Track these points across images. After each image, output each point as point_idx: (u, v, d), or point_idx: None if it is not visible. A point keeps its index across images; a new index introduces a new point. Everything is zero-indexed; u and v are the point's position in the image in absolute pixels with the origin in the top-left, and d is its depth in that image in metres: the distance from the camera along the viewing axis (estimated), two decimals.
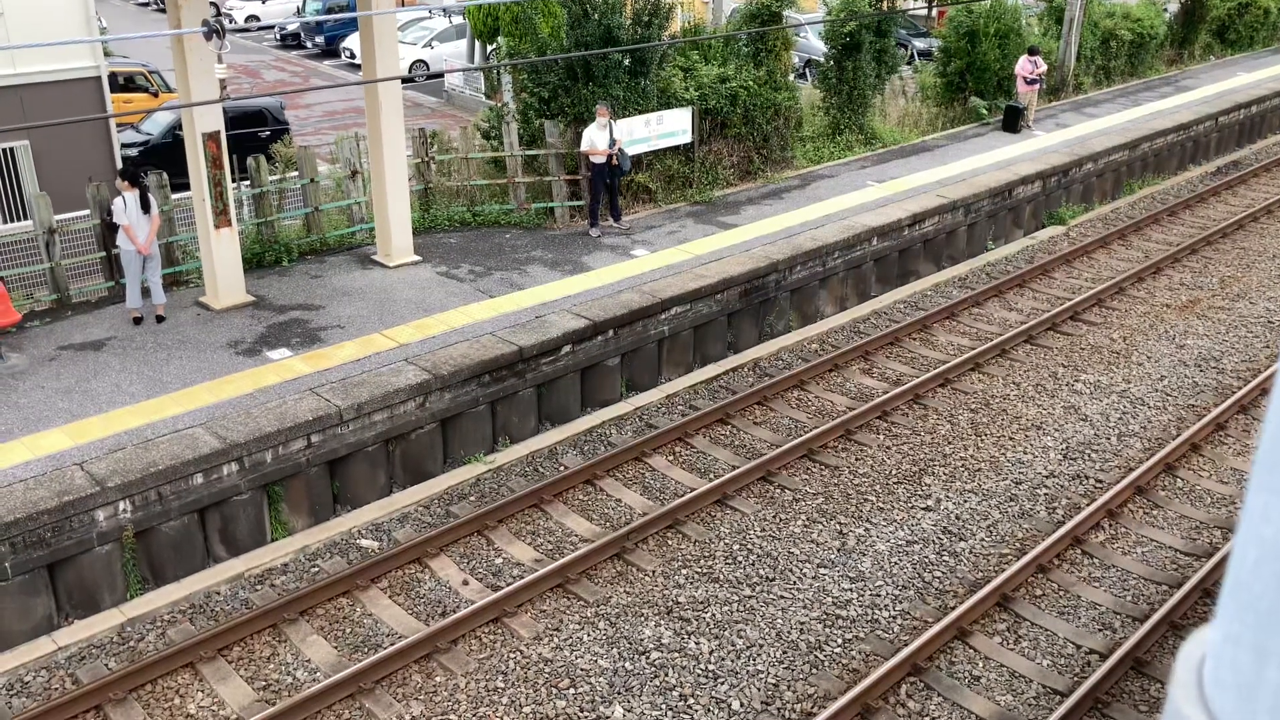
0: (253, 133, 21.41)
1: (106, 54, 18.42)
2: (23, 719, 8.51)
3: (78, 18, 16.30)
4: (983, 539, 11.31)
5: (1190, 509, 11.88)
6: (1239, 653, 0.99)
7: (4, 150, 16.14)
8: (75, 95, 16.28)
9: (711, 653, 9.60)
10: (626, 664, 9.46)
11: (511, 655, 9.56)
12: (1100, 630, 10.00)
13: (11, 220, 16.09)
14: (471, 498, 11.94)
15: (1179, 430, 13.43)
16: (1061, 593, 10.50)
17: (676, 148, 17.99)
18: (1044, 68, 23.15)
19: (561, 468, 12.49)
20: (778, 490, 12.08)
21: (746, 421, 13.54)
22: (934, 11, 34.49)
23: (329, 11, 39.73)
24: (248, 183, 15.36)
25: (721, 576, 10.62)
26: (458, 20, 33.65)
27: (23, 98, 15.88)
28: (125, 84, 23.87)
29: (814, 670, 9.44)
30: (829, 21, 21.39)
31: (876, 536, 11.30)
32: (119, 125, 20.10)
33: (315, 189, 15.58)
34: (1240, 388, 14.40)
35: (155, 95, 24.30)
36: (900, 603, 10.31)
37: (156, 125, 21.84)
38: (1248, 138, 26.94)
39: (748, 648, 9.67)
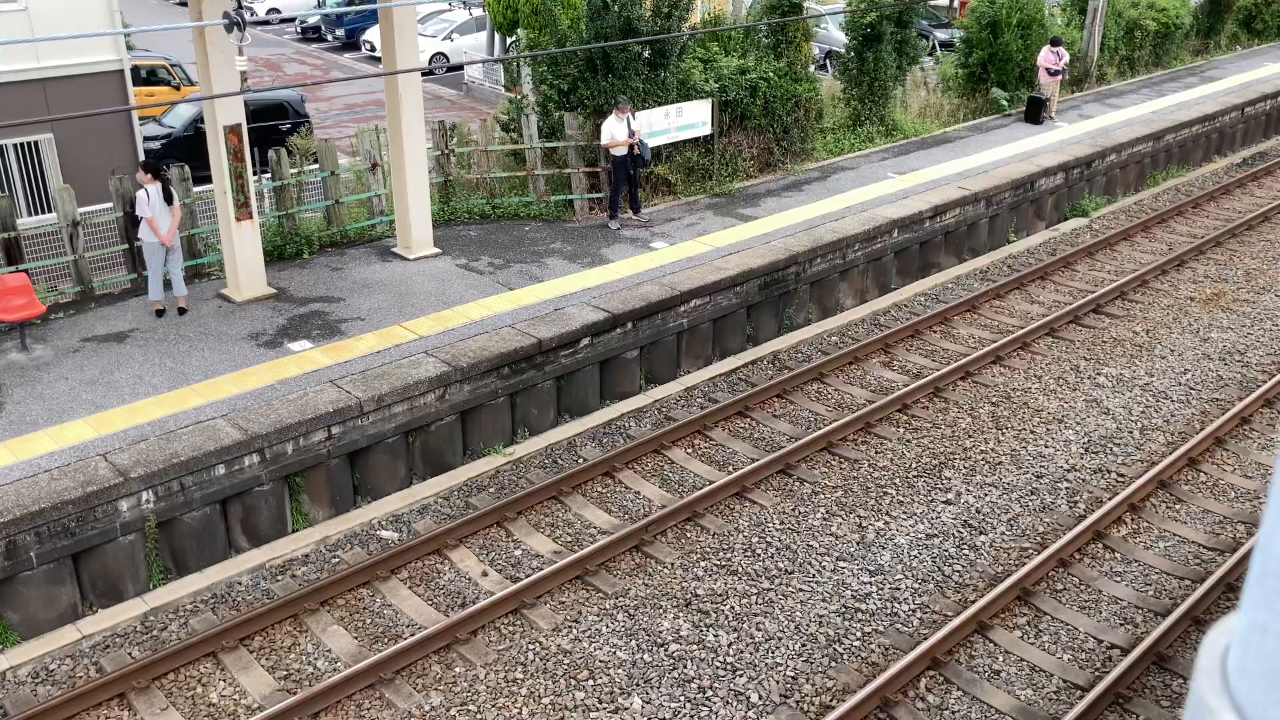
0: (274, 125, 21.50)
1: (129, 47, 18.53)
2: (47, 707, 8.60)
3: (100, 11, 16.40)
4: (1003, 532, 11.25)
5: (1214, 503, 11.78)
6: (1266, 640, 0.97)
7: (29, 143, 16.27)
8: (98, 88, 16.40)
9: (730, 645, 9.60)
10: (645, 656, 9.47)
11: (530, 646, 9.58)
12: (1122, 625, 9.93)
13: (36, 213, 16.23)
14: (491, 489, 11.97)
15: (1203, 424, 13.31)
16: (1083, 587, 10.43)
17: (696, 140, 17.94)
18: (1067, 58, 22.95)
19: (580, 460, 12.50)
20: (797, 483, 12.05)
21: (765, 414, 13.51)
22: (956, 2, 34.25)
23: (349, 4, 39.82)
24: (269, 175, 15.42)
25: (740, 569, 10.61)
26: (477, 13, 33.66)
27: (46, 91, 16.00)
28: (147, 77, 24.02)
29: (833, 663, 9.42)
30: (850, 12, 21.28)
31: (896, 530, 11.26)
32: (141, 118, 20.20)
33: (336, 182, 15.63)
34: (1265, 381, 14.26)
35: (177, 88, 24.44)
36: (920, 596, 10.27)
37: (178, 118, 21.97)
38: (1274, 128, 26.64)
39: (766, 640, 9.66)
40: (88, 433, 10.62)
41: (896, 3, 21.08)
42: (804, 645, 9.61)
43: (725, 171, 18.43)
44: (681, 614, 9.98)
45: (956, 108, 23.80)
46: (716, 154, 18.27)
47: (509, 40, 27.47)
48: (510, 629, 9.81)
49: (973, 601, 10.13)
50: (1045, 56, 22.79)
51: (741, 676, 9.24)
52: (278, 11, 43.11)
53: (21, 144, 16.18)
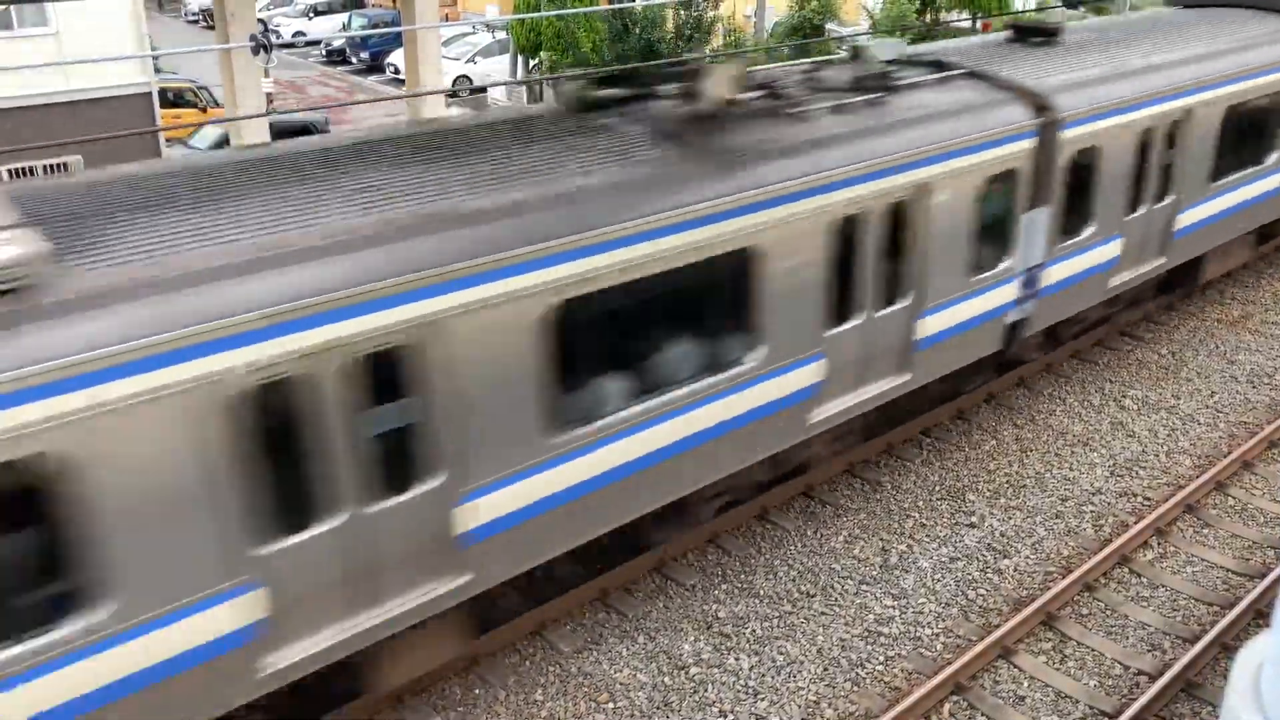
0: None
1: (156, 70, 18.76)
2: None
3: (129, 35, 16.63)
4: (1028, 556, 11.14)
5: (1242, 528, 11.62)
6: None
7: (58, 165, 16.49)
8: (126, 110, 16.62)
9: (752, 669, 9.52)
10: (666, 679, 9.41)
11: (551, 668, 9.54)
12: (1149, 651, 9.80)
13: None
14: None
15: (1230, 447, 13.16)
16: (1109, 612, 10.30)
17: None
18: None
19: None
20: (819, 505, 11.98)
21: None
22: (978, 25, 34.24)
23: (374, 27, 40.25)
24: None
25: (762, 592, 10.54)
26: (501, 36, 33.92)
27: (75, 113, 16.23)
28: (174, 99, 24.30)
29: (855, 688, 9.33)
30: (871, 34, 21.31)
31: (919, 553, 11.17)
32: (168, 140, 20.43)
33: None
34: None
35: (203, 110, 24.71)
36: (943, 620, 10.17)
37: (205, 139, 22.20)
38: None
39: (788, 664, 9.58)
40: None
41: (919, 25, 21.11)
42: (826, 669, 9.53)
43: None
44: (702, 637, 9.92)
45: None
46: None
47: (532, 63, 27.66)
48: (530, 650, 9.77)
49: (997, 626, 10.02)
50: None
51: (763, 700, 9.16)
52: (303, 34, 43.61)
53: (51, 166, 16.39)
